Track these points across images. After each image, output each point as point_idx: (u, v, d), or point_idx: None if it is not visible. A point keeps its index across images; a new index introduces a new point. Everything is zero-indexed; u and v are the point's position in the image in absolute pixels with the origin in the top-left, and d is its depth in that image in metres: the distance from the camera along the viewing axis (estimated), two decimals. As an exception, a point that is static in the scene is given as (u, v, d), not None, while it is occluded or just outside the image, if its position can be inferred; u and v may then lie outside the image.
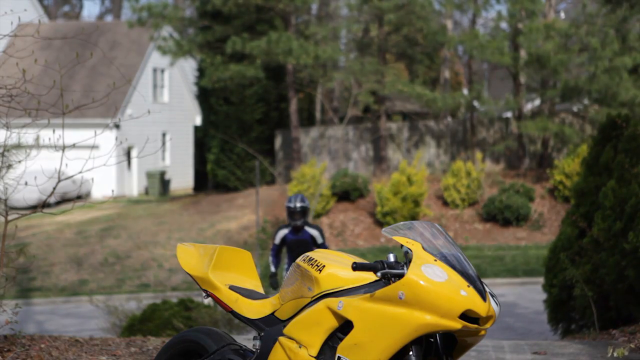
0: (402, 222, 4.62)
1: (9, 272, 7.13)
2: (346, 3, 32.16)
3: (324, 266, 4.64)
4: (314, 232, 11.78)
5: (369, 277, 4.52)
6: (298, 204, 11.64)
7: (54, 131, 6.97)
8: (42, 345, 7.31)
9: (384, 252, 24.56)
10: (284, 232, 11.86)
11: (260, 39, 29.23)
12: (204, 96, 34.26)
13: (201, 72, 33.47)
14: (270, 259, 11.86)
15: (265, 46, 28.62)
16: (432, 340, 4.44)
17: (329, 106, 34.08)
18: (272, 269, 11.85)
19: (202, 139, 37.22)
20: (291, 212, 11.71)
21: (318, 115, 35.10)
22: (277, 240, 11.83)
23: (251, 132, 33.24)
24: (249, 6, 30.88)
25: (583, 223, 10.05)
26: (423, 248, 4.41)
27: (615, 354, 7.65)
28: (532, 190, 27.82)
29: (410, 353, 4.36)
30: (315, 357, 4.53)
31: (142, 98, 35.58)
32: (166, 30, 32.90)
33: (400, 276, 4.33)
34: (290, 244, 11.76)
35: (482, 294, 4.31)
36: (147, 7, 31.04)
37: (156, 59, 38.77)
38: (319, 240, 11.68)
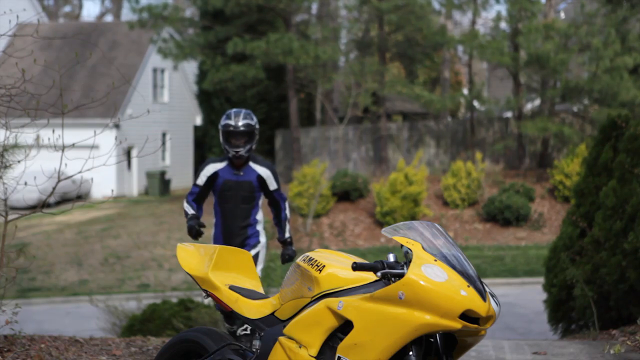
0: (402, 222, 4.63)
1: (9, 272, 7.13)
2: (345, 5, 32.18)
3: (324, 266, 4.64)
4: (263, 171, 7.59)
5: (369, 277, 4.52)
6: (241, 122, 7.48)
7: (53, 131, 6.96)
8: (42, 345, 7.30)
9: (384, 252, 24.56)
10: (214, 167, 7.61)
11: (261, 39, 29.23)
12: (205, 96, 34.27)
13: (202, 73, 33.46)
14: (186, 204, 7.71)
15: (266, 47, 28.63)
16: (432, 340, 4.44)
17: (329, 106, 34.07)
18: (191, 210, 7.64)
19: (202, 139, 37.21)
20: (229, 133, 7.47)
21: (318, 115, 35.09)
22: (202, 179, 7.60)
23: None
24: (250, 6, 30.90)
25: (583, 223, 10.04)
26: (423, 248, 4.41)
27: (612, 352, 7.66)
28: (532, 190, 27.82)
29: (410, 353, 4.36)
30: (315, 357, 4.53)
31: (142, 98, 35.55)
32: (166, 32, 32.90)
33: (400, 276, 4.33)
34: (223, 187, 7.56)
35: (482, 294, 4.32)
36: (147, 8, 31.05)
37: (156, 59, 38.76)
38: (272, 186, 7.60)
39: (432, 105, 30.03)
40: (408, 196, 26.35)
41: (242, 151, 7.45)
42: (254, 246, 7.73)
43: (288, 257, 7.73)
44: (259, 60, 29.72)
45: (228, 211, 7.68)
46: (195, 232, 7.55)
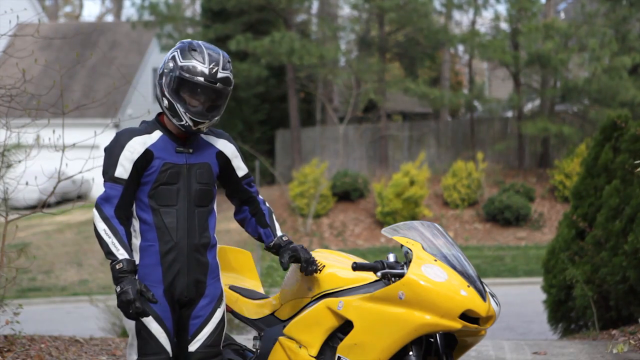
0: (402, 222, 4.64)
1: (9, 272, 7.13)
2: (347, 2, 32.19)
3: (324, 266, 4.64)
4: (224, 145, 4.47)
5: (369, 277, 4.53)
6: (221, 72, 4.21)
7: (54, 131, 6.98)
8: (42, 345, 7.30)
9: (384, 252, 24.55)
10: (142, 142, 4.31)
11: (262, 38, 29.22)
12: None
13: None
14: (103, 226, 4.26)
15: (269, 45, 28.55)
16: (432, 340, 4.45)
17: (329, 106, 34.06)
18: (118, 246, 4.35)
19: (202, 139, 37.26)
20: (194, 86, 4.19)
21: (318, 115, 35.08)
22: (126, 167, 4.26)
23: (254, 132, 33.29)
24: (251, 4, 30.92)
25: (584, 223, 10.03)
26: (423, 248, 4.41)
27: (614, 351, 7.67)
28: (532, 190, 27.83)
29: (410, 353, 4.36)
30: (315, 357, 4.54)
31: (143, 98, 35.55)
32: (166, 30, 32.93)
33: (401, 276, 4.34)
34: (162, 177, 4.29)
35: (482, 294, 4.32)
36: (150, 7, 31.08)
37: (156, 58, 38.74)
38: (241, 170, 4.52)
39: (441, 101, 29.89)
40: (410, 198, 26.34)
41: (205, 124, 4.28)
42: (218, 303, 4.50)
43: (308, 261, 4.55)
44: (262, 59, 29.61)
45: (172, 221, 4.33)
46: (135, 310, 4.26)
